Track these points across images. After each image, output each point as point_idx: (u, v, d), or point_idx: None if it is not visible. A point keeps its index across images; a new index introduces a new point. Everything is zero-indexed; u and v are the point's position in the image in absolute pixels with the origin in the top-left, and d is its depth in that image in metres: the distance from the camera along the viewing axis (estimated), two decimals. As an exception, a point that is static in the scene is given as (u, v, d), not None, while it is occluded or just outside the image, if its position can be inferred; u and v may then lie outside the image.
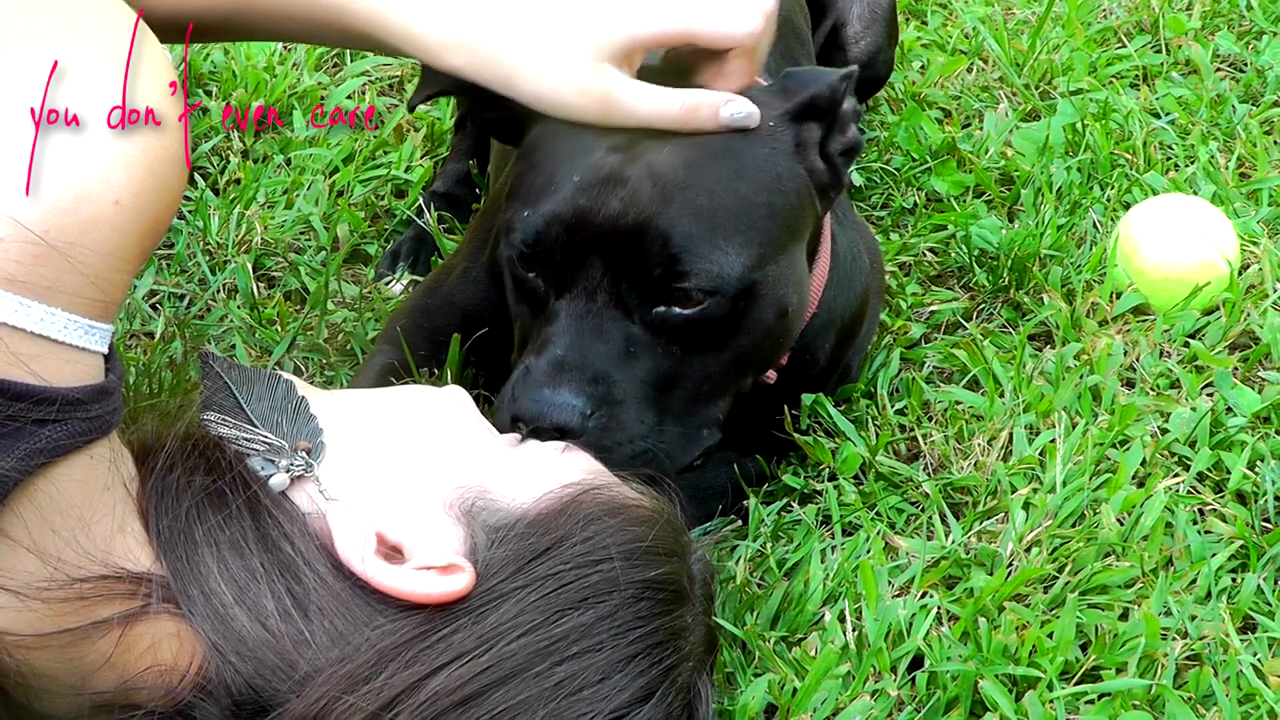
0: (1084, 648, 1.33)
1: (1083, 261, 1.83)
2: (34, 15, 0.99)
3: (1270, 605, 1.38)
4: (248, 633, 1.03)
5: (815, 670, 1.27)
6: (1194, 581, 1.40)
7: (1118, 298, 1.76)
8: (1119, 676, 1.29)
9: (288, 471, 1.10)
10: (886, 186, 2.02)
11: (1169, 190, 1.94)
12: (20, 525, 0.97)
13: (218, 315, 1.75)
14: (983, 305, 1.80)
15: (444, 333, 1.53)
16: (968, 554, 1.42)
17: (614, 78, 1.25)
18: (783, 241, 1.34)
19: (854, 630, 1.33)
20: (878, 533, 1.44)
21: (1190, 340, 1.71)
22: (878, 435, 1.56)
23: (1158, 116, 2.11)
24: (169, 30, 1.11)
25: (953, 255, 1.87)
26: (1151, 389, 1.64)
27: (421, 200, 1.95)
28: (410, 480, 1.11)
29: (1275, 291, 1.76)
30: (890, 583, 1.38)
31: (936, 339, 1.75)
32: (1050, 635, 1.31)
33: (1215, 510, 1.49)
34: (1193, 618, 1.35)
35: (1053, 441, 1.53)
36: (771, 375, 1.46)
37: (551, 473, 1.15)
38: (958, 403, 1.61)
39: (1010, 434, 1.55)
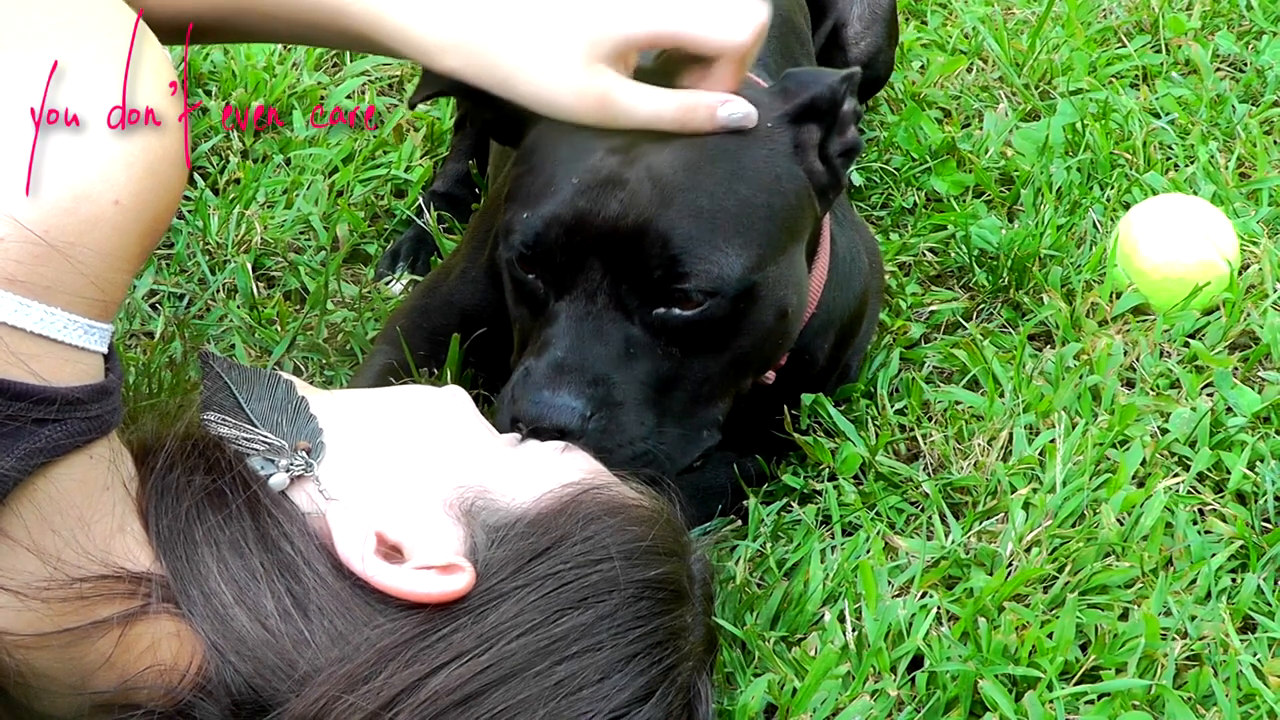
0: (1084, 648, 1.33)
1: (1083, 261, 1.83)
2: (34, 15, 0.99)
3: (1270, 605, 1.38)
4: (247, 632, 1.03)
5: (815, 670, 1.27)
6: (1194, 581, 1.40)
7: (1118, 298, 1.76)
8: (1119, 677, 1.29)
9: (287, 471, 1.10)
10: (886, 186, 2.02)
11: (1169, 190, 1.94)
12: (20, 525, 0.97)
13: (217, 315, 1.75)
14: (983, 305, 1.80)
15: (443, 333, 1.53)
16: (967, 554, 1.42)
17: (611, 79, 1.25)
18: (782, 243, 1.34)
19: (854, 630, 1.33)
20: (877, 533, 1.44)
21: (1190, 340, 1.71)
22: (877, 435, 1.56)
23: (1158, 116, 2.11)
24: (168, 31, 1.11)
25: (952, 255, 1.87)
26: (1151, 389, 1.64)
27: (421, 200, 1.95)
28: (410, 480, 1.11)
29: (1275, 291, 1.76)
30: (890, 583, 1.38)
31: (936, 339, 1.75)
32: (1050, 635, 1.31)
33: (1215, 510, 1.49)
34: (1193, 618, 1.35)
35: (1053, 441, 1.53)
36: (770, 375, 1.46)
37: (551, 472, 1.15)
38: (958, 403, 1.61)
39: (1010, 434, 1.55)
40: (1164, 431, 1.57)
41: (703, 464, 1.39)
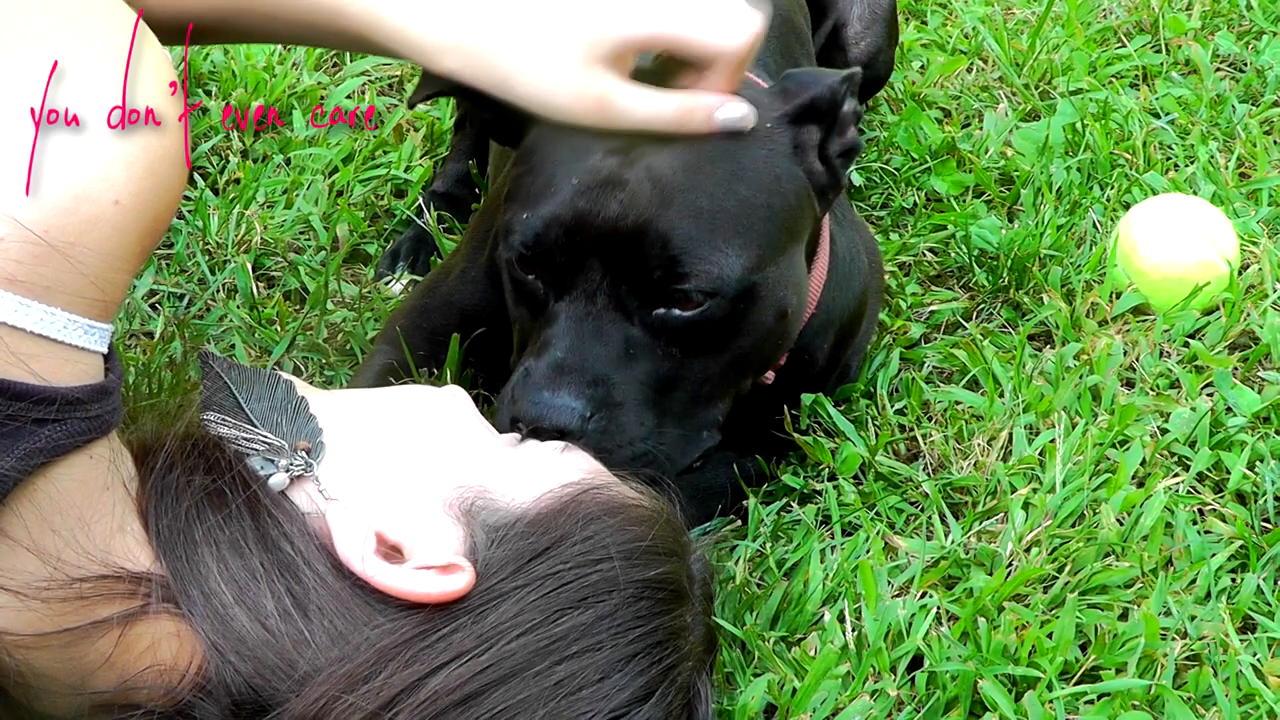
0: (1084, 648, 1.33)
1: (1082, 261, 1.83)
2: (34, 15, 0.99)
3: (1270, 605, 1.38)
4: (247, 632, 1.03)
5: (815, 670, 1.27)
6: (1194, 581, 1.40)
7: (1118, 298, 1.76)
8: (1118, 677, 1.29)
9: (287, 471, 1.10)
10: (886, 186, 2.02)
11: (1169, 190, 1.94)
12: (20, 525, 0.98)
13: (217, 315, 1.75)
14: (982, 305, 1.80)
15: (443, 333, 1.53)
16: (967, 554, 1.42)
17: (608, 81, 1.25)
18: (782, 243, 1.34)
19: (853, 630, 1.33)
20: (877, 533, 1.44)
21: (1190, 340, 1.71)
22: (877, 435, 1.56)
23: (1157, 116, 2.11)
24: (168, 31, 1.11)
25: (952, 255, 1.87)
26: (1151, 389, 1.64)
27: (421, 200, 1.95)
28: (410, 480, 1.11)
29: (1275, 291, 1.76)
30: (890, 583, 1.38)
31: (936, 339, 1.75)
32: (1050, 635, 1.31)
33: (1215, 510, 1.49)
34: (1192, 618, 1.35)
35: (1052, 441, 1.53)
36: (769, 375, 1.46)
37: (551, 472, 1.15)
38: (957, 403, 1.61)
39: (1010, 434, 1.55)
40: (1164, 431, 1.57)
41: (702, 464, 1.39)
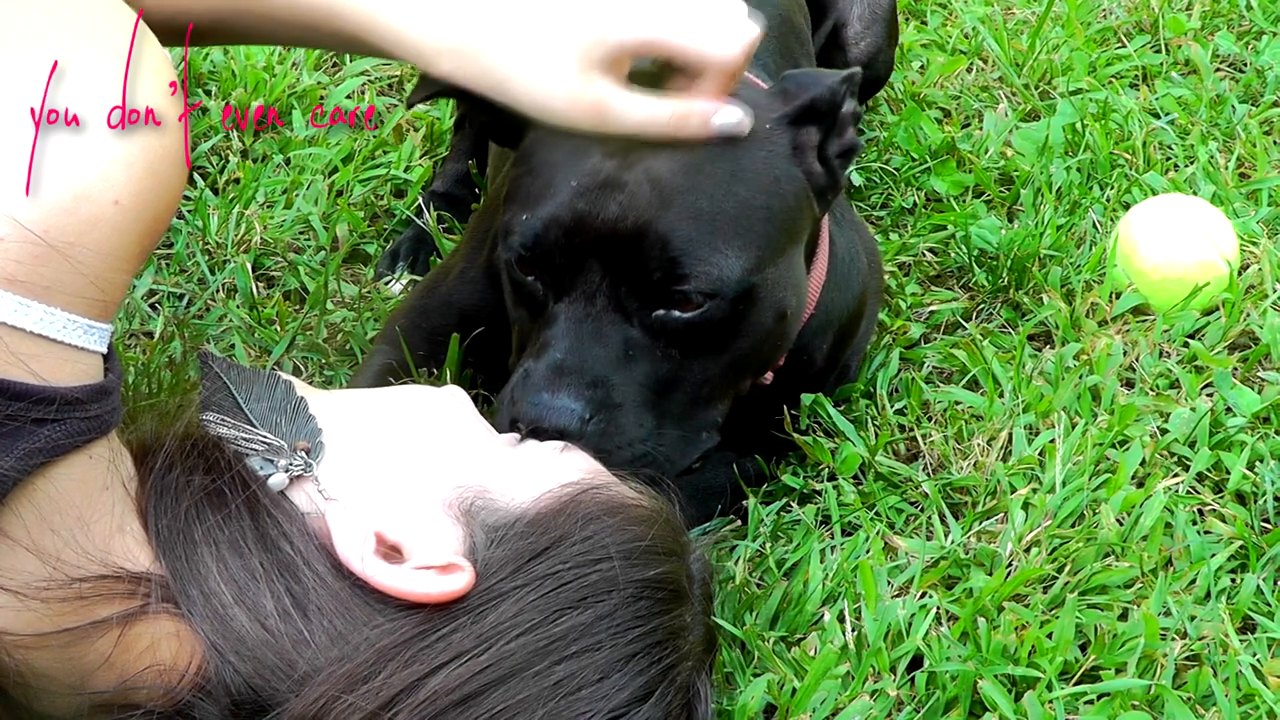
0: (1083, 648, 1.32)
1: (1082, 261, 1.83)
2: (34, 15, 0.99)
3: (1269, 605, 1.38)
4: (247, 632, 1.03)
5: (814, 670, 1.27)
6: (1193, 582, 1.40)
7: (1117, 298, 1.76)
8: (1118, 677, 1.29)
9: (287, 471, 1.10)
10: (886, 186, 2.02)
11: (1169, 190, 1.94)
12: (19, 525, 0.97)
13: (217, 315, 1.75)
14: (982, 305, 1.80)
15: (442, 333, 1.53)
16: (967, 554, 1.42)
17: (604, 86, 1.25)
18: (781, 244, 1.34)
19: (853, 630, 1.33)
20: (877, 533, 1.44)
21: (1190, 340, 1.71)
22: (877, 435, 1.56)
23: (1157, 116, 2.11)
24: (167, 32, 1.11)
25: (952, 255, 1.87)
26: (1151, 389, 1.64)
27: (421, 200, 1.95)
28: (409, 480, 1.11)
29: (1275, 291, 1.76)
30: (889, 583, 1.38)
31: (936, 339, 1.75)
32: (1049, 635, 1.31)
33: (1215, 510, 1.49)
34: (1192, 618, 1.35)
35: (1052, 442, 1.53)
36: (769, 376, 1.46)
37: (550, 472, 1.15)
38: (957, 403, 1.61)
39: (1010, 434, 1.55)
40: (1164, 431, 1.57)
41: (702, 464, 1.39)
